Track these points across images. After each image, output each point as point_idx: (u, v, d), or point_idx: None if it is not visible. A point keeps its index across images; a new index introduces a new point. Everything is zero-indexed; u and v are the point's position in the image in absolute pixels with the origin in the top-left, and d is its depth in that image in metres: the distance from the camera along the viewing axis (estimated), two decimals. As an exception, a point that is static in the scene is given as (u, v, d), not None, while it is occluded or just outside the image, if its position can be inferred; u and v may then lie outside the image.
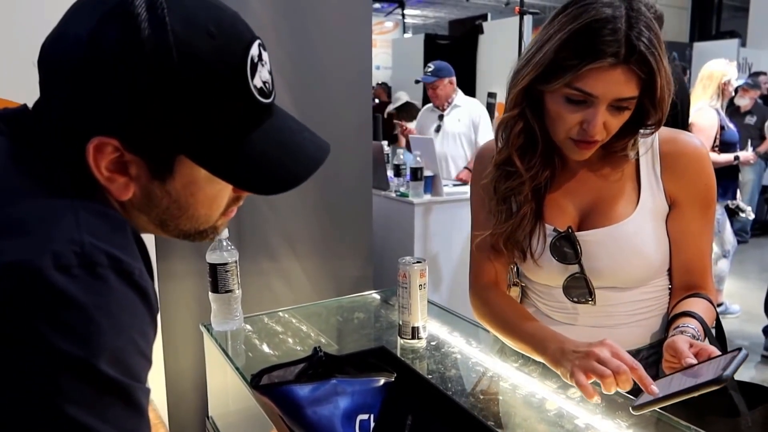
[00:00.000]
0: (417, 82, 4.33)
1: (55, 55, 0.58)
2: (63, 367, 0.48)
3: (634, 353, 1.15)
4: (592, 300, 1.14)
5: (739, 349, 0.88)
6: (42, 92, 0.61)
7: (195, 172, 0.62)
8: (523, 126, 1.10)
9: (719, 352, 0.93)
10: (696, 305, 1.09)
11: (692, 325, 1.03)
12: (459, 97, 4.09)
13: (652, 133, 1.10)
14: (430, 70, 4.01)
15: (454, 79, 4.05)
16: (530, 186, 1.14)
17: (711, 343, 1.01)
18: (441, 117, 4.07)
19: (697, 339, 1.01)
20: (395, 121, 5.27)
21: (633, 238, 1.11)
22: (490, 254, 1.23)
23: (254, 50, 0.61)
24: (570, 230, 1.13)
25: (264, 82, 0.63)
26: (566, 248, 1.13)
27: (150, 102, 0.56)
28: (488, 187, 1.19)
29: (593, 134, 1.01)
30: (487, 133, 3.87)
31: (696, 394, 0.84)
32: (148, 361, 0.55)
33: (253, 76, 0.61)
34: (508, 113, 1.11)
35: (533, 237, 1.17)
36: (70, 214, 0.54)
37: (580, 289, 1.14)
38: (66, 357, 0.48)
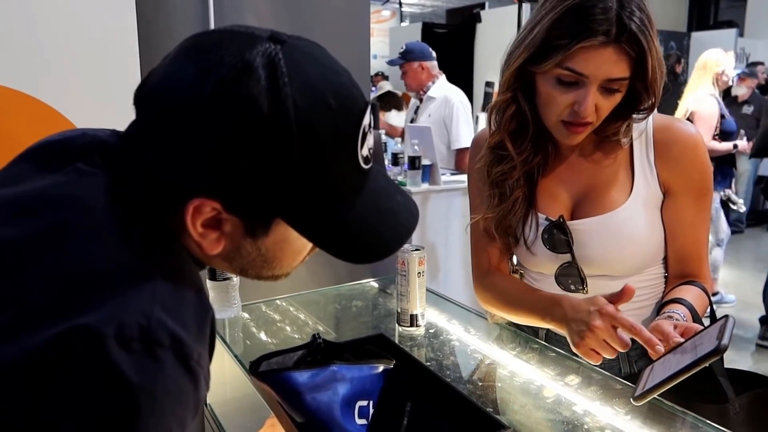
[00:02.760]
0: (389, 63, 3.90)
1: (165, 107, 0.56)
2: None
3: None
4: (584, 289, 1.14)
5: (726, 317, 0.87)
6: (138, 135, 0.59)
7: (288, 231, 0.61)
8: (515, 109, 1.11)
9: (701, 327, 0.92)
10: (687, 292, 1.08)
11: (680, 311, 1.02)
12: (437, 86, 3.58)
13: (645, 117, 1.10)
14: (400, 51, 3.62)
15: (428, 64, 3.57)
16: (521, 170, 1.15)
17: None
18: (417, 109, 3.67)
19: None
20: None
21: (626, 226, 1.10)
22: (487, 240, 1.24)
23: (366, 119, 0.60)
24: (561, 219, 1.12)
25: (369, 149, 0.62)
26: (558, 237, 1.13)
27: (263, 171, 0.55)
28: (482, 171, 1.19)
29: (585, 116, 1.01)
30: (459, 135, 3.48)
31: (696, 369, 0.82)
32: None
33: (362, 147, 0.60)
34: (501, 96, 1.11)
35: (526, 224, 1.18)
36: (149, 282, 0.53)
37: (572, 277, 1.14)
38: (96, 429, 0.47)
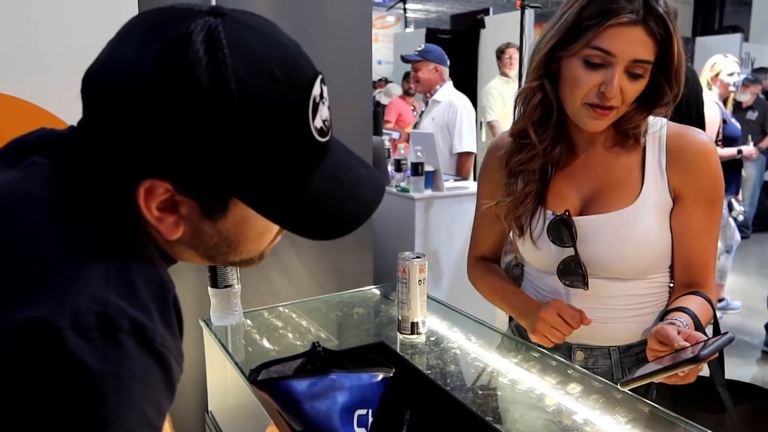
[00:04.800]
0: (403, 59, 3.84)
1: (108, 86, 0.55)
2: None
3: (625, 348, 1.18)
4: (584, 285, 1.15)
5: (726, 333, 0.91)
6: (86, 119, 0.58)
7: (247, 211, 0.60)
8: (541, 98, 1.13)
9: (706, 337, 0.94)
10: (691, 302, 1.09)
11: (682, 318, 1.03)
12: (443, 91, 3.61)
13: (667, 111, 1.12)
14: (418, 49, 3.65)
15: (442, 68, 3.60)
16: (541, 160, 1.17)
17: None
18: (422, 114, 3.70)
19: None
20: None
21: (630, 227, 1.11)
22: (487, 224, 1.29)
23: (316, 89, 0.58)
24: (567, 213, 1.14)
25: (324, 121, 0.60)
26: (563, 231, 1.15)
27: (207, 146, 0.54)
28: (502, 159, 1.23)
29: (611, 96, 1.03)
30: (462, 139, 3.48)
31: (675, 371, 0.89)
32: (157, 429, 0.53)
33: (314, 117, 0.58)
34: (528, 84, 1.14)
35: (533, 218, 1.20)
36: (101, 268, 0.52)
37: (573, 273, 1.16)
38: (67, 426, 0.47)
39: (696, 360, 0.86)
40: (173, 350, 0.54)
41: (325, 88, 0.61)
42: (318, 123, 0.59)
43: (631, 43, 1.01)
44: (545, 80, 1.11)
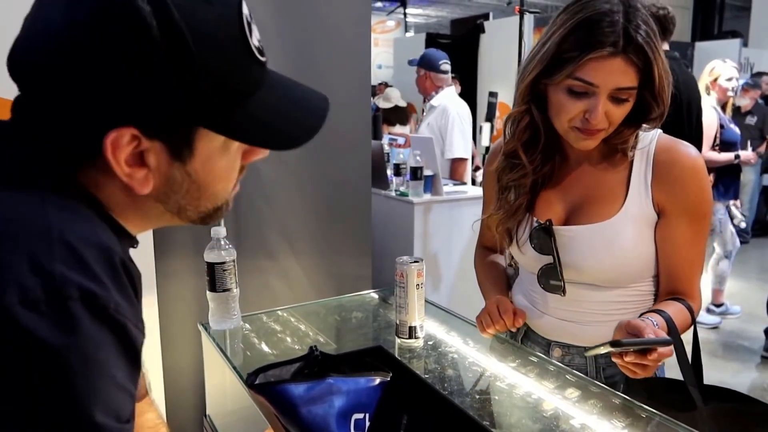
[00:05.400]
0: (410, 62, 3.99)
1: (45, 50, 0.54)
2: (46, 416, 0.46)
3: None
4: (562, 292, 1.19)
5: (668, 340, 0.97)
6: (26, 94, 0.58)
7: (211, 146, 0.62)
8: (528, 121, 1.16)
9: (667, 338, 0.98)
10: (669, 306, 1.11)
11: (654, 318, 1.05)
12: (440, 96, 3.64)
13: (656, 126, 1.13)
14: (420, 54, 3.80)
15: (432, 74, 3.63)
16: (532, 178, 1.20)
17: (679, 352, 1.04)
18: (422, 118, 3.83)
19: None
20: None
21: (610, 239, 1.13)
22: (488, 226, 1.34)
23: (245, 9, 0.61)
24: (548, 223, 1.17)
25: (259, 41, 0.63)
26: (543, 239, 1.18)
27: (165, 81, 0.55)
28: (494, 175, 1.26)
29: (595, 123, 1.05)
30: (453, 145, 3.52)
31: (602, 350, 0.99)
32: (132, 396, 0.53)
33: (251, 35, 0.61)
34: (516, 109, 1.17)
35: (520, 227, 1.24)
36: (45, 240, 0.50)
37: (552, 278, 1.20)
38: (42, 403, 0.46)
39: (614, 344, 0.95)
40: (129, 315, 0.53)
41: (249, 10, 0.63)
42: (255, 42, 0.62)
43: (612, 73, 1.01)
44: (532, 105, 1.14)
